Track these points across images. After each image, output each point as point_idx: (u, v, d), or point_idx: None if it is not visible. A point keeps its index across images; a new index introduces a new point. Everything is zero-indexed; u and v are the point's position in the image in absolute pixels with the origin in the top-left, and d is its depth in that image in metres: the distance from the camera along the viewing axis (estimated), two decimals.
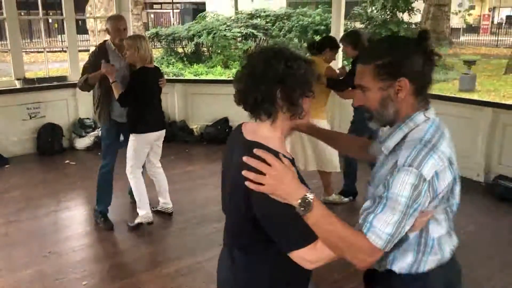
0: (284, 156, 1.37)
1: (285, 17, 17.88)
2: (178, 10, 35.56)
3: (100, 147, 6.34)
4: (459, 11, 20.73)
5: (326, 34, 6.66)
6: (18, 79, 6.15)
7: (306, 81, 1.43)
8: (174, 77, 12.40)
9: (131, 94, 3.79)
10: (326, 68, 4.46)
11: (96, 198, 4.20)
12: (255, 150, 1.32)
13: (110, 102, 3.95)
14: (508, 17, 35.47)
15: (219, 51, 15.79)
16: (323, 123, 4.43)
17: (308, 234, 1.33)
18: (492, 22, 33.68)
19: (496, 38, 26.35)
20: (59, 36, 22.32)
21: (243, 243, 1.50)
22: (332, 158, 4.46)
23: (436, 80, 14.21)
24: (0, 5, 6.03)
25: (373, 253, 1.35)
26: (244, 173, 1.30)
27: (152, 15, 33.66)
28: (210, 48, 16.35)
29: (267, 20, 17.80)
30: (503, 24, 32.14)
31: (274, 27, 17.41)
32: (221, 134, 6.78)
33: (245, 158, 1.31)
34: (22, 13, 20.96)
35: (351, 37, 4.48)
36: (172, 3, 33.77)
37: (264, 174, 1.29)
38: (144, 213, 4.04)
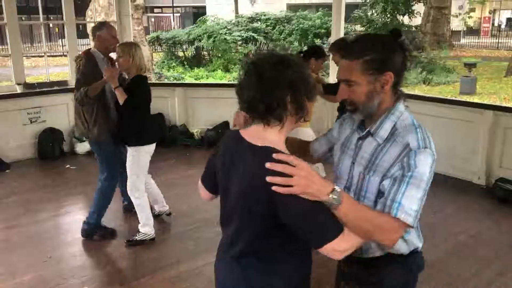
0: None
1: (285, 21, 17.93)
2: (179, 14, 35.67)
3: None
4: (460, 14, 20.76)
5: (327, 38, 6.68)
6: (18, 84, 6.17)
7: (310, 84, 1.49)
8: (175, 81, 12.42)
9: (139, 102, 3.70)
10: (314, 79, 4.48)
11: (97, 210, 3.98)
12: (274, 155, 1.34)
13: (108, 116, 3.81)
14: (508, 19, 35.50)
15: (219, 55, 15.82)
16: (306, 131, 4.50)
17: (336, 225, 1.38)
18: (493, 24, 33.70)
19: (497, 41, 26.36)
20: (60, 40, 22.37)
21: (258, 249, 1.50)
22: None
23: (437, 82, 14.22)
24: (1, 10, 6.04)
25: (402, 230, 1.47)
26: (270, 179, 1.32)
27: (152, 19, 33.73)
28: (210, 52, 16.38)
29: (268, 23, 17.85)
30: (503, 26, 32.17)
31: (275, 30, 17.46)
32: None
33: (268, 165, 1.32)
34: (23, 18, 21.03)
35: (338, 44, 4.50)
36: (173, 7, 33.87)
37: (290, 177, 1.32)
38: (149, 230, 3.90)
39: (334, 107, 4.40)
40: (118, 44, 3.77)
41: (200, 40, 15.89)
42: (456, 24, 24.88)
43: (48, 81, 6.91)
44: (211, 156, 1.73)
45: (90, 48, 3.95)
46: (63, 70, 12.91)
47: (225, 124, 6.91)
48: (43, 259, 3.67)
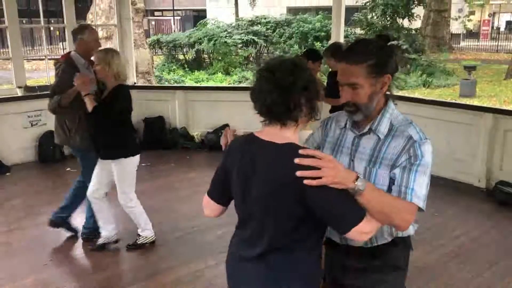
0: None
1: (285, 24, 17.96)
2: (179, 17, 35.72)
3: None
4: (459, 17, 20.78)
5: (327, 41, 6.69)
6: (19, 87, 6.18)
7: (319, 86, 1.62)
8: (175, 84, 12.44)
9: (119, 113, 3.54)
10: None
11: (69, 207, 3.97)
12: (301, 151, 1.46)
13: (91, 122, 3.64)
14: (508, 22, 35.55)
15: (220, 58, 15.85)
16: (307, 132, 4.52)
17: (360, 210, 1.50)
18: (492, 27, 33.75)
19: (497, 44, 26.40)
20: (61, 43, 22.40)
21: (282, 246, 1.58)
22: None
23: (437, 85, 14.24)
24: (2, 13, 6.06)
25: (415, 212, 1.61)
26: (300, 173, 1.42)
27: (153, 22, 33.80)
28: (211, 55, 16.42)
29: (268, 26, 17.88)
30: (503, 29, 32.20)
31: (275, 33, 17.49)
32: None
33: (297, 160, 1.43)
34: (24, 21, 21.07)
35: (331, 49, 4.51)
36: (173, 10, 33.93)
37: (318, 169, 1.42)
38: (149, 234, 3.88)
39: (327, 109, 4.43)
40: (95, 51, 3.60)
41: (200, 43, 15.92)
42: (455, 27, 24.92)
43: (49, 84, 6.91)
44: (218, 171, 1.77)
45: (70, 52, 3.82)
46: None
47: (226, 126, 6.91)
48: (43, 262, 3.67)
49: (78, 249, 3.92)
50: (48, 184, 5.50)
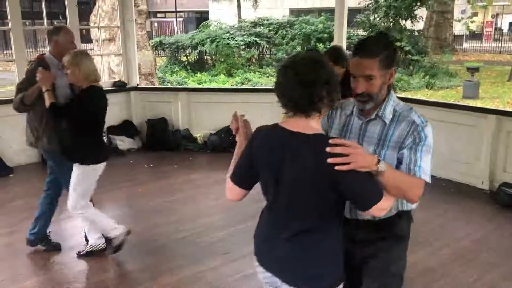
0: None
1: (288, 25, 17.95)
2: (182, 19, 35.79)
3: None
4: (462, 18, 20.72)
5: (329, 42, 6.68)
6: None
7: (337, 79, 1.77)
8: (178, 86, 12.45)
9: (88, 115, 3.39)
10: None
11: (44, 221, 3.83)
12: (331, 141, 1.63)
13: (59, 124, 3.52)
14: (511, 23, 35.45)
15: (222, 59, 15.86)
16: None
17: (380, 189, 1.70)
18: (495, 28, 33.66)
19: (500, 45, 26.33)
20: None
21: (313, 226, 1.74)
22: None
23: (440, 87, 14.21)
24: (6, 15, 6.08)
25: (423, 187, 1.83)
26: (332, 160, 1.59)
27: (155, 24, 33.85)
28: (213, 57, 16.42)
29: (270, 28, 17.87)
30: (506, 31, 32.11)
31: (277, 35, 17.48)
32: (225, 143, 6.78)
33: (329, 149, 1.60)
34: (27, 23, 21.14)
35: (330, 52, 4.51)
36: (176, 12, 33.99)
37: (347, 156, 1.59)
38: (118, 233, 3.66)
39: None
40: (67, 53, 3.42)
41: (203, 45, 15.93)
42: (458, 28, 24.84)
43: None
44: (242, 158, 1.90)
45: (44, 53, 3.72)
46: None
47: (228, 128, 6.90)
48: (46, 263, 3.68)
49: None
50: None
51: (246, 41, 16.23)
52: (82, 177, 3.44)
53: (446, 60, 17.92)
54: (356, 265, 2.02)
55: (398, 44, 15.58)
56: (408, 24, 17.22)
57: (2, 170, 5.80)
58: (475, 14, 25.23)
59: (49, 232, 3.88)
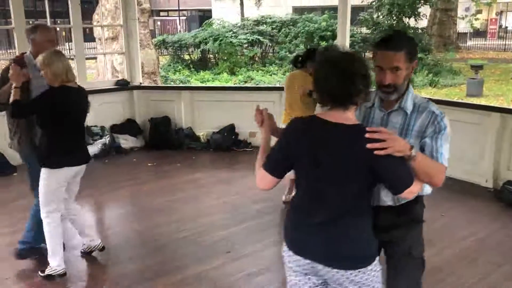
0: None
1: (291, 23, 17.93)
2: (185, 17, 35.79)
3: (107, 155, 6.42)
4: (466, 16, 20.63)
5: (333, 40, 6.66)
6: None
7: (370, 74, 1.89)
8: (181, 84, 12.45)
9: (33, 111, 3.25)
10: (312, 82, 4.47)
11: (33, 235, 3.66)
12: (368, 128, 1.78)
13: (32, 125, 3.38)
14: None
15: (225, 58, 15.85)
16: None
17: (412, 173, 1.84)
18: (500, 26, 33.51)
19: (504, 42, 26.21)
20: (67, 44, 22.50)
21: (350, 209, 1.85)
22: None
23: (444, 85, 14.16)
24: (9, 14, 6.08)
25: (445, 172, 2.00)
26: (371, 145, 1.73)
27: (158, 23, 33.87)
28: (216, 55, 16.42)
29: (273, 26, 17.86)
30: (510, 28, 31.95)
31: (280, 33, 17.46)
32: (228, 141, 6.77)
33: (368, 135, 1.75)
34: (31, 22, 21.18)
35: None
36: (179, 10, 33.99)
37: (384, 142, 1.73)
38: (55, 264, 3.40)
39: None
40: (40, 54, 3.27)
41: (206, 43, 15.92)
42: (462, 26, 24.76)
43: None
44: (275, 148, 1.96)
45: (25, 52, 3.58)
46: None
47: (231, 126, 6.91)
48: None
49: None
50: None
51: (249, 39, 16.22)
52: (44, 181, 3.28)
53: (449, 58, 17.84)
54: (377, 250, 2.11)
55: None
56: (411, 22, 17.16)
57: (6, 169, 5.80)
58: (479, 11, 25.12)
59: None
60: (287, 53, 16.20)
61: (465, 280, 3.43)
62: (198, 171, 6.02)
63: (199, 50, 16.33)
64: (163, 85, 11.16)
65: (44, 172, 3.28)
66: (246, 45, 16.31)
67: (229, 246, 3.95)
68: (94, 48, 15.03)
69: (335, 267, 1.85)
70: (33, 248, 3.71)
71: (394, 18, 16.71)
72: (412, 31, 16.53)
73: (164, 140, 6.92)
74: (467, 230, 4.23)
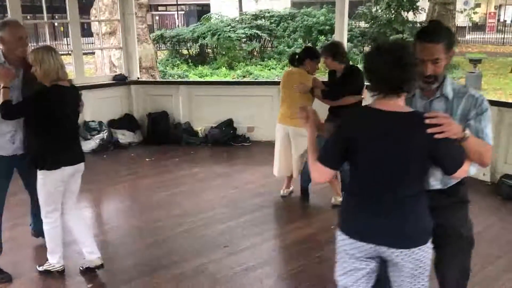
0: None
1: (289, 18, 17.87)
2: (183, 12, 35.67)
3: (105, 150, 6.42)
4: (465, 10, 20.59)
5: (331, 34, 6.64)
6: None
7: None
8: (179, 79, 12.43)
9: (25, 112, 3.16)
10: (313, 80, 4.48)
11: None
12: (426, 114, 1.88)
13: None
14: None
15: (223, 52, 15.82)
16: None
17: (464, 153, 1.98)
18: (498, 20, 33.46)
19: (502, 36, 26.19)
20: (65, 39, 22.44)
21: (412, 193, 1.96)
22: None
23: None
24: (5, 9, 6.06)
25: (491, 151, 2.13)
26: (431, 130, 1.84)
27: (157, 17, 33.76)
28: (214, 50, 16.39)
29: (272, 20, 17.81)
30: (509, 22, 31.91)
31: (279, 27, 17.41)
32: (226, 136, 6.78)
33: (428, 120, 1.85)
34: (28, 17, 21.09)
35: (329, 48, 4.49)
36: (177, 5, 33.85)
37: (441, 126, 1.84)
38: (54, 261, 3.39)
39: (325, 108, 4.43)
40: (31, 52, 3.17)
41: (204, 38, 15.89)
42: (461, 20, 24.72)
43: None
44: (332, 140, 2.05)
45: None
46: (67, 68, 12.91)
47: (229, 121, 6.91)
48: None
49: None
50: None
51: (247, 34, 16.19)
52: (41, 182, 3.22)
53: None
54: None
55: (399, 36, 15.52)
56: (410, 15, 17.12)
57: None
58: (478, 5, 25.09)
59: None
60: (286, 47, 16.16)
61: None
62: (196, 166, 6.02)
63: (197, 44, 16.30)
64: (161, 80, 11.15)
65: (40, 174, 3.19)
66: (245, 39, 16.28)
67: (228, 240, 3.97)
68: (92, 43, 15.01)
69: (399, 247, 1.95)
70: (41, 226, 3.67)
71: (393, 12, 16.66)
72: (411, 25, 16.50)
73: (162, 135, 6.92)
74: None
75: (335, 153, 2.04)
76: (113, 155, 6.42)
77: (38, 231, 3.77)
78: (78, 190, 3.47)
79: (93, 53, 12.13)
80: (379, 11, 17.19)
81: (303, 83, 4.40)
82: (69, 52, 6.71)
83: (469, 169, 2.12)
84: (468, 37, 27.42)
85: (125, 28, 7.15)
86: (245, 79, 13.26)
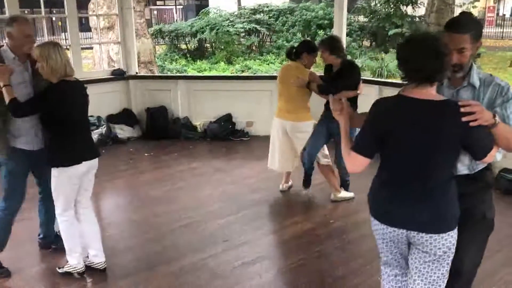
0: None
1: (288, 12, 17.81)
2: (181, 6, 35.51)
3: (104, 145, 6.41)
4: (464, 4, 20.52)
5: (330, 29, 6.61)
6: None
7: None
8: (178, 74, 12.40)
9: (34, 110, 3.11)
10: (310, 74, 4.46)
11: (46, 226, 3.69)
12: (459, 103, 1.96)
13: (6, 124, 3.19)
14: None
15: (222, 47, 15.77)
16: (311, 124, 4.52)
17: (492, 138, 2.05)
18: (497, 14, 33.38)
19: (502, 30, 26.13)
20: (63, 34, 22.36)
21: (448, 175, 2.07)
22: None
23: None
24: (3, 3, 6.03)
25: None
26: (466, 118, 1.92)
27: (155, 12, 33.61)
28: (213, 44, 16.33)
29: (270, 15, 17.74)
30: (508, 16, 31.85)
31: (277, 22, 17.35)
32: (225, 131, 6.77)
33: (463, 109, 1.93)
34: (26, 12, 21.01)
35: (327, 42, 4.47)
36: None
37: (474, 114, 1.92)
38: (75, 262, 3.33)
39: (321, 102, 4.42)
40: (35, 47, 3.11)
41: (202, 32, 15.82)
42: None
43: None
44: (366, 130, 2.12)
45: (2, 45, 3.34)
46: None
47: (228, 116, 6.90)
48: (49, 252, 3.70)
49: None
50: None
51: (246, 28, 16.13)
52: (56, 180, 3.18)
53: None
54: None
55: (398, 30, 15.47)
56: (409, 10, 17.06)
57: None
58: None
59: (58, 231, 3.55)
60: (285, 42, 16.11)
61: None
62: (195, 161, 6.02)
63: (196, 39, 16.24)
64: (160, 74, 11.11)
65: (54, 171, 3.16)
66: (243, 34, 16.22)
67: (227, 235, 3.97)
68: (90, 38, 14.94)
69: (430, 231, 2.04)
70: (49, 238, 3.73)
71: (392, 6, 16.60)
72: (410, 19, 16.45)
73: (161, 130, 6.91)
74: None
75: (371, 142, 2.11)
76: (112, 150, 6.41)
77: (47, 243, 3.74)
78: (92, 187, 3.41)
79: (91, 48, 12.09)
80: (378, 5, 17.12)
81: (299, 77, 4.39)
82: (67, 47, 6.65)
83: (496, 155, 2.19)
84: None
85: (123, 23, 7.13)
86: (243, 74, 13.22)
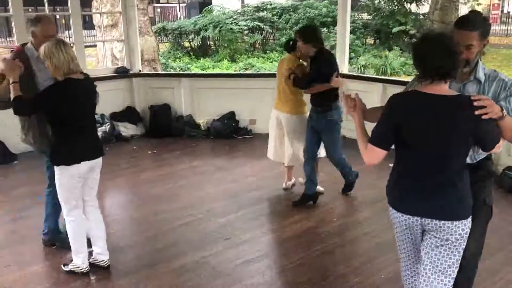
0: None
1: (291, 10, 17.75)
2: (185, 4, 35.48)
3: (108, 143, 6.42)
4: (468, 1, 20.41)
5: (333, 26, 6.56)
6: None
7: None
8: (181, 72, 12.40)
9: (37, 108, 3.11)
10: (296, 65, 4.41)
11: (52, 217, 3.71)
12: (472, 97, 2.06)
13: (45, 122, 3.24)
14: None
15: (225, 45, 15.74)
16: (303, 118, 4.52)
17: (499, 130, 2.15)
18: (502, 11, 33.20)
19: (506, 28, 25.98)
20: (66, 31, 22.39)
21: (461, 166, 2.16)
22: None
23: None
24: (6, 1, 6.04)
25: None
26: (479, 111, 2.02)
27: (158, 10, 33.60)
28: (216, 42, 16.30)
29: (274, 12, 17.68)
30: None
31: (281, 19, 17.29)
32: (228, 129, 6.77)
33: (476, 103, 2.03)
34: (30, 9, 21.06)
35: (301, 30, 4.45)
36: None
37: (485, 108, 2.02)
38: (79, 262, 3.33)
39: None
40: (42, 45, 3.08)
41: (206, 30, 15.81)
42: (464, 11, 24.55)
43: None
44: (383, 123, 2.18)
45: (26, 43, 3.41)
46: None
47: (231, 114, 6.90)
48: (50, 249, 3.71)
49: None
50: None
51: (249, 26, 16.10)
52: (59, 178, 3.18)
53: None
54: None
55: (402, 28, 15.40)
56: (413, 7, 16.98)
57: (7, 157, 5.82)
58: None
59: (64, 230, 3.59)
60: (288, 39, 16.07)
61: None
62: (198, 159, 6.03)
63: (199, 37, 16.21)
64: (163, 72, 11.11)
65: (56, 170, 3.16)
66: (247, 31, 16.18)
67: (228, 233, 3.98)
68: (94, 36, 14.97)
69: (447, 219, 2.13)
70: (55, 235, 3.72)
71: (395, 3, 16.53)
72: (414, 17, 16.39)
73: (164, 128, 6.92)
74: None
75: (388, 135, 2.18)
76: (115, 148, 6.43)
77: (51, 239, 3.74)
78: (97, 185, 3.39)
79: (95, 45, 12.09)
80: (382, 2, 17.05)
81: (288, 68, 4.39)
82: (71, 45, 6.67)
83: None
84: None
85: (127, 21, 7.13)
86: (247, 72, 13.20)
